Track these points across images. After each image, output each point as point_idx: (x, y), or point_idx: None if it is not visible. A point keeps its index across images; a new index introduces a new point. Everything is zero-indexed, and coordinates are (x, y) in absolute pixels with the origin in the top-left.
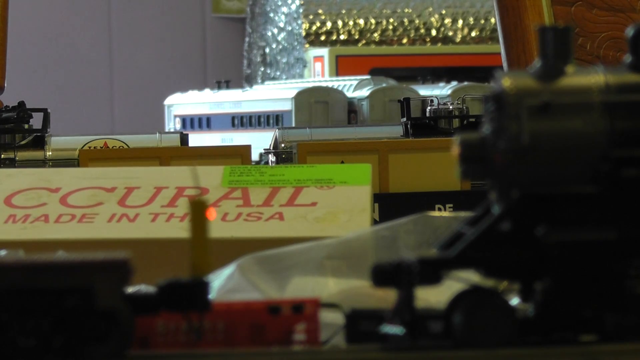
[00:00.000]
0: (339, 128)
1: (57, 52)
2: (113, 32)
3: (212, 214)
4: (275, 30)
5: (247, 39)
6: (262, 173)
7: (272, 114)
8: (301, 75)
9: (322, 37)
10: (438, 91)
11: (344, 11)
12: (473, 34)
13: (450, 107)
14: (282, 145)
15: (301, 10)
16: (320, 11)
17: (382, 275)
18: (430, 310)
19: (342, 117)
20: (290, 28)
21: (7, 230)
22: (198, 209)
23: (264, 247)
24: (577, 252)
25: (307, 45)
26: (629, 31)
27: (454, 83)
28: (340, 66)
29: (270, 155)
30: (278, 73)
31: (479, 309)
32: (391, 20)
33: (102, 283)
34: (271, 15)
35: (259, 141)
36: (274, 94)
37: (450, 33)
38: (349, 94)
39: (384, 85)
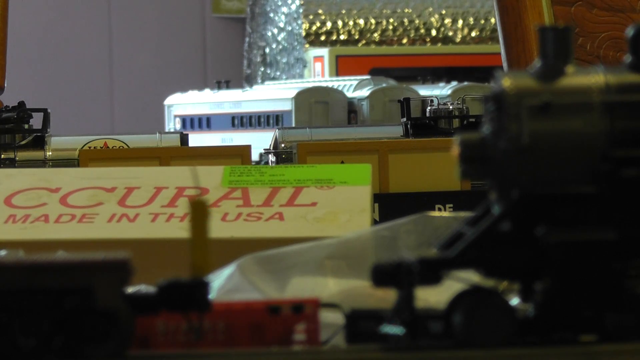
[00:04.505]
0: (339, 128)
1: (57, 52)
2: (113, 32)
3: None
4: (275, 30)
5: (247, 39)
6: (262, 173)
7: (272, 114)
8: (301, 75)
9: (322, 37)
10: (438, 91)
11: (344, 11)
12: (473, 34)
13: (450, 107)
14: (282, 145)
15: (301, 10)
16: (320, 11)
17: (382, 275)
18: (430, 310)
19: (342, 117)
20: (290, 28)
21: (7, 230)
22: (198, 209)
23: (264, 247)
24: (577, 252)
25: (307, 45)
26: (629, 31)
27: (454, 83)
28: (340, 66)
29: (270, 155)
30: (278, 73)
31: (479, 309)
32: (391, 20)
33: (102, 283)
34: (271, 15)
35: (259, 141)
36: (274, 94)
37: (450, 33)
38: (349, 94)
39: (384, 85)
